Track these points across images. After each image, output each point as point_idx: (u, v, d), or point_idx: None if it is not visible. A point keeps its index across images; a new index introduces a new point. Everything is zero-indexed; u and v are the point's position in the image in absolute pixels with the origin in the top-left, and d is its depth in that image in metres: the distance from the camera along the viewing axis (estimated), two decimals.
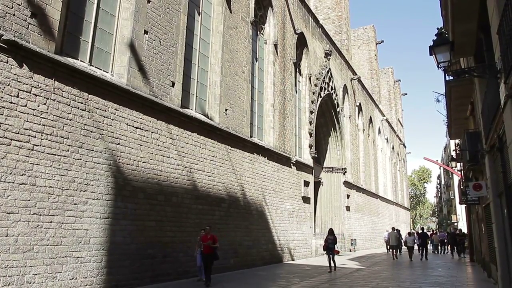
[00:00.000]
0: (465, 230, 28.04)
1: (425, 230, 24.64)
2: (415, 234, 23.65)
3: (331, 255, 13.37)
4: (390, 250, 21.68)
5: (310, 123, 20.95)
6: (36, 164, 7.31)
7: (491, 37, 6.83)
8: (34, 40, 7.49)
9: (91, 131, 8.52)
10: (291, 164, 18.27)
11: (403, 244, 22.49)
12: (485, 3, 7.04)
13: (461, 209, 46.27)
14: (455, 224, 54.64)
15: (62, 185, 7.75)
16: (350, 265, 16.43)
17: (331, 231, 13.82)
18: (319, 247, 21.34)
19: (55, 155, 7.69)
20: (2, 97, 6.87)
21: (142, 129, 9.90)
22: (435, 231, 39.10)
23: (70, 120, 8.06)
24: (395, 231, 21.77)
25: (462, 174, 20.67)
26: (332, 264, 13.41)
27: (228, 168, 13.35)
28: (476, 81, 10.26)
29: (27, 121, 7.25)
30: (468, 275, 14.15)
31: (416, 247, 22.21)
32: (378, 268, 15.46)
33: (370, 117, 35.14)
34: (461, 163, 20.93)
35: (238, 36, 14.85)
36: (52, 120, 7.71)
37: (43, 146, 7.48)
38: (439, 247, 28.14)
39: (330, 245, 13.39)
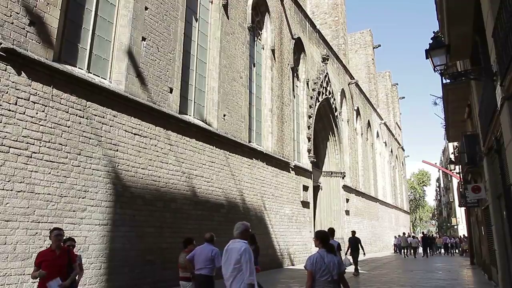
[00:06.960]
0: (465, 232, 30.80)
1: (425, 234, 32.57)
2: (418, 238, 30.97)
3: None
4: (404, 250, 27.99)
5: (308, 127, 20.98)
6: (34, 172, 7.31)
7: (486, 39, 6.88)
8: (33, 48, 7.52)
9: (90, 138, 8.52)
10: (290, 169, 18.27)
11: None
12: (480, 7, 7.10)
13: (460, 212, 46.26)
14: (455, 227, 54.58)
15: (61, 192, 7.74)
16: (350, 269, 16.36)
17: (252, 239, 8.21)
18: None
19: (54, 162, 7.68)
20: (0, 105, 6.88)
21: (140, 136, 9.90)
22: (438, 235, 40.87)
23: (68, 127, 8.07)
24: (405, 235, 29.40)
25: (461, 177, 20.68)
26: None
27: (227, 173, 13.35)
28: (473, 83, 10.31)
29: (26, 128, 7.26)
30: (469, 278, 14.13)
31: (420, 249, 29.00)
32: (379, 272, 15.42)
33: (368, 121, 35.19)
34: (460, 166, 20.95)
35: (235, 42, 14.91)
36: (51, 127, 7.71)
37: (41, 153, 7.47)
38: (442, 249, 34.39)
39: None
